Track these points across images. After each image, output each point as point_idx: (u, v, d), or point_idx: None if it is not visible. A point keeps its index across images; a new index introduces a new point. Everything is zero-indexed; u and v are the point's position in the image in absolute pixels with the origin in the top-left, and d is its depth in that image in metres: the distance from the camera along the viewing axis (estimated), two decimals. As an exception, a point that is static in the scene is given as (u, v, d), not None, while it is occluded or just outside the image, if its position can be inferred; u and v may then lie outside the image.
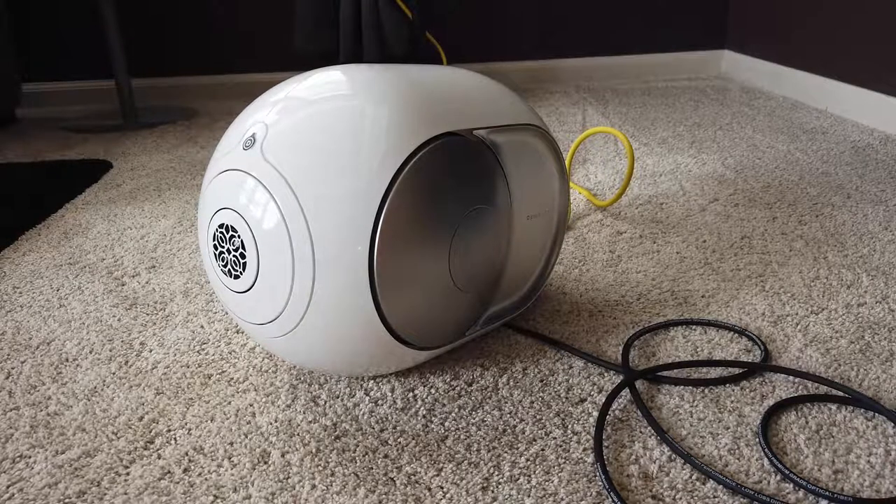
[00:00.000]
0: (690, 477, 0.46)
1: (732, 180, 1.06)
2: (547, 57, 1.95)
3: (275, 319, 0.51)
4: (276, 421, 0.53)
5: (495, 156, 0.56)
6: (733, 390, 0.55)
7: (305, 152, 0.49)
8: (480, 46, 1.93)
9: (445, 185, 0.51)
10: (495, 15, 1.90)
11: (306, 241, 0.48)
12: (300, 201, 0.48)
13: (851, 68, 1.43)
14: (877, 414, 0.52)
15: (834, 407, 0.53)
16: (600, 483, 0.46)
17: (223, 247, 0.51)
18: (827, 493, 0.44)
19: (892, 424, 0.51)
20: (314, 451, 0.50)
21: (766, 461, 0.48)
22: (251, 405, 0.56)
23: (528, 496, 0.45)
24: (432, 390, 0.57)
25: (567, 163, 1.02)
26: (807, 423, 0.51)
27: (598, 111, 1.57)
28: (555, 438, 0.51)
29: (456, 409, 0.54)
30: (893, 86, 1.30)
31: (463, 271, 0.54)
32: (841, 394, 0.54)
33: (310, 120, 0.50)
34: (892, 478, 0.46)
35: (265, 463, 0.49)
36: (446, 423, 0.53)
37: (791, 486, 0.45)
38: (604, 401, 0.54)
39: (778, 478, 0.46)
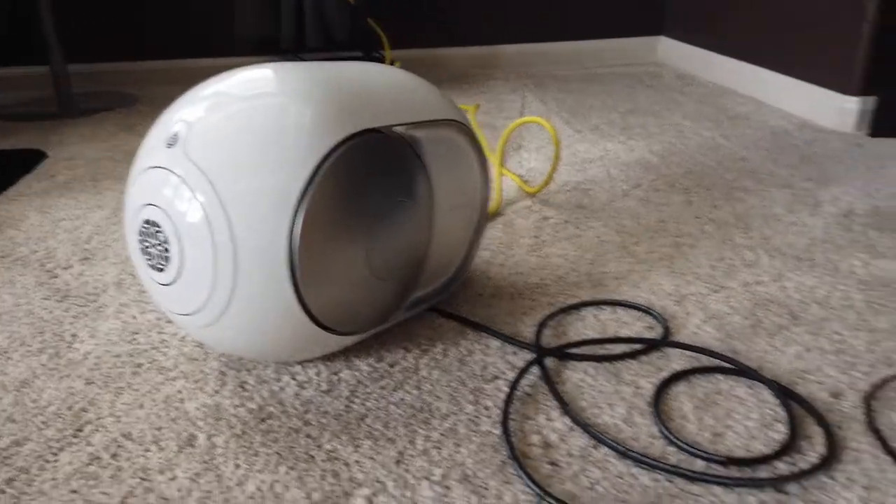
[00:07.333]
0: (587, 445, 0.51)
1: (656, 166, 1.12)
2: (489, 43, 1.98)
3: (199, 310, 0.53)
4: (203, 406, 0.56)
5: (415, 151, 0.59)
6: (632, 365, 0.60)
7: (227, 149, 0.51)
8: (423, 33, 1.95)
9: (364, 180, 0.54)
10: (438, 1, 1.92)
11: (228, 235, 0.50)
12: (221, 197, 0.50)
13: (776, 56, 1.50)
14: (757, 382, 0.57)
15: (721, 377, 0.58)
16: (505, 453, 0.50)
17: (148, 241, 0.53)
18: (703, 453, 0.49)
19: (770, 391, 0.56)
20: (239, 433, 0.53)
21: (655, 428, 0.52)
22: (180, 392, 0.58)
23: (438, 467, 0.49)
24: (356, 373, 0.60)
25: (499, 150, 1.05)
26: (695, 392, 0.56)
27: (537, 97, 1.61)
28: (467, 413, 0.55)
29: (378, 390, 0.58)
30: (811, 73, 1.38)
31: (382, 262, 0.57)
32: (728, 365, 0.59)
33: (233, 117, 0.52)
34: (764, 439, 0.51)
35: (191, 446, 0.52)
36: (367, 403, 0.56)
37: (675, 448, 0.50)
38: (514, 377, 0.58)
39: (664, 442, 0.51)
